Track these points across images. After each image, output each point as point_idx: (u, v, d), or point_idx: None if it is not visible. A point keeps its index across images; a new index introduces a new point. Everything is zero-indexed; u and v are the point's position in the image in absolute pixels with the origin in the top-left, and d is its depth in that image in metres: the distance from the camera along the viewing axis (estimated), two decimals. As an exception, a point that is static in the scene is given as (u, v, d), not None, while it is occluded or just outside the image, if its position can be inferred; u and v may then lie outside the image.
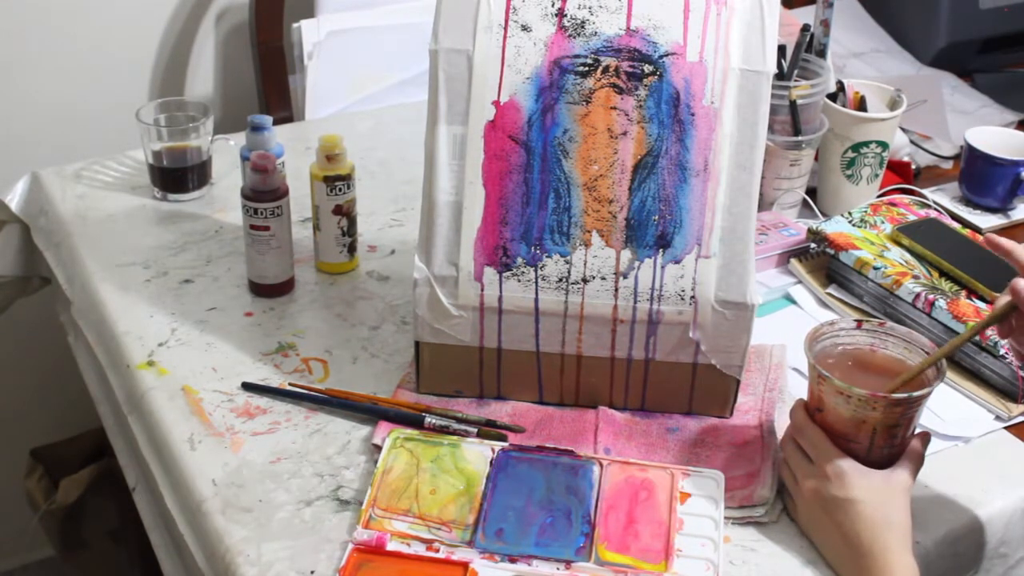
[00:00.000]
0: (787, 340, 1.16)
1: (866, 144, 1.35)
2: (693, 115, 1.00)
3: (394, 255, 1.30)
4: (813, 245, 1.28)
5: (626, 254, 1.00)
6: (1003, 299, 0.91)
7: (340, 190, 1.21)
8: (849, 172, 1.37)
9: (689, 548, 0.92)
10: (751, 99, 1.00)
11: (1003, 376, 1.10)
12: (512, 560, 0.90)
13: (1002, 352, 1.09)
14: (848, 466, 0.91)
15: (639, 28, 1.00)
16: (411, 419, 1.03)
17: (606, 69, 1.00)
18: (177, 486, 1.00)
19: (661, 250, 1.00)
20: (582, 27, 1.00)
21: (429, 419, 1.03)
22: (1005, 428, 1.08)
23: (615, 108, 1.00)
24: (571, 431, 1.03)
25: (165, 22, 1.73)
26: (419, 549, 0.91)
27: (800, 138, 1.32)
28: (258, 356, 1.13)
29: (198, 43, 1.77)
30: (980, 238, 1.27)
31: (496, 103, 1.00)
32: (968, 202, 1.44)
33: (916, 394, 0.90)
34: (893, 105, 1.39)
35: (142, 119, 1.36)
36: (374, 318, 1.19)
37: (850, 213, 1.30)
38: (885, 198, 1.35)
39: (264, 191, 1.17)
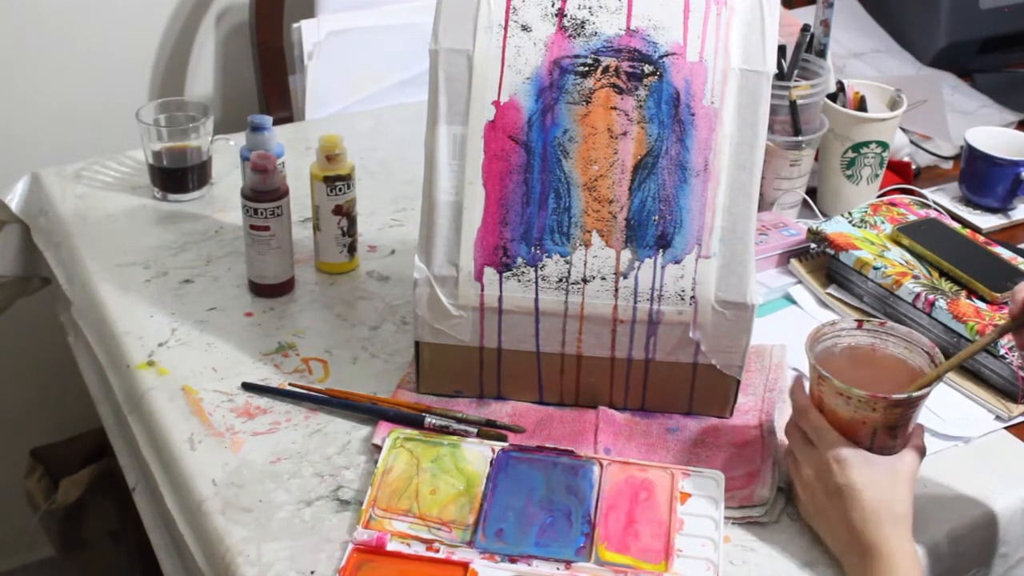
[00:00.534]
0: (787, 340, 1.16)
1: (866, 144, 1.35)
2: (693, 115, 1.00)
3: (394, 255, 1.30)
4: (813, 245, 1.28)
5: (626, 254, 1.00)
6: (1019, 303, 0.90)
7: (340, 190, 1.21)
8: (849, 172, 1.37)
9: (689, 548, 0.92)
10: (751, 99, 1.00)
11: (1003, 376, 1.10)
12: (512, 560, 0.90)
13: (1002, 352, 1.09)
14: (850, 453, 0.90)
15: (639, 28, 1.00)
16: (411, 419, 1.03)
17: (606, 69, 1.00)
18: (177, 486, 1.00)
19: (661, 250, 1.00)
20: (582, 27, 1.00)
21: (429, 419, 1.03)
22: (1005, 428, 1.08)
23: (615, 108, 1.00)
24: (571, 431, 1.03)
25: (165, 22, 1.73)
26: (419, 549, 0.91)
27: (800, 138, 1.32)
28: (258, 356, 1.13)
29: (198, 43, 1.77)
30: (980, 238, 1.27)
31: (496, 103, 1.00)
32: (968, 202, 1.44)
33: (916, 394, 0.90)
34: (893, 105, 1.39)
35: (142, 119, 1.36)
36: (374, 318, 1.19)
37: (850, 213, 1.30)
38: (885, 198, 1.35)
39: (264, 191, 1.17)
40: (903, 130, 1.53)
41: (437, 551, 0.91)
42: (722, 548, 0.92)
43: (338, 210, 1.22)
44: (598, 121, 1.00)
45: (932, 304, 1.15)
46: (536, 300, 1.01)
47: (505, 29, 1.00)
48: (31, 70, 1.66)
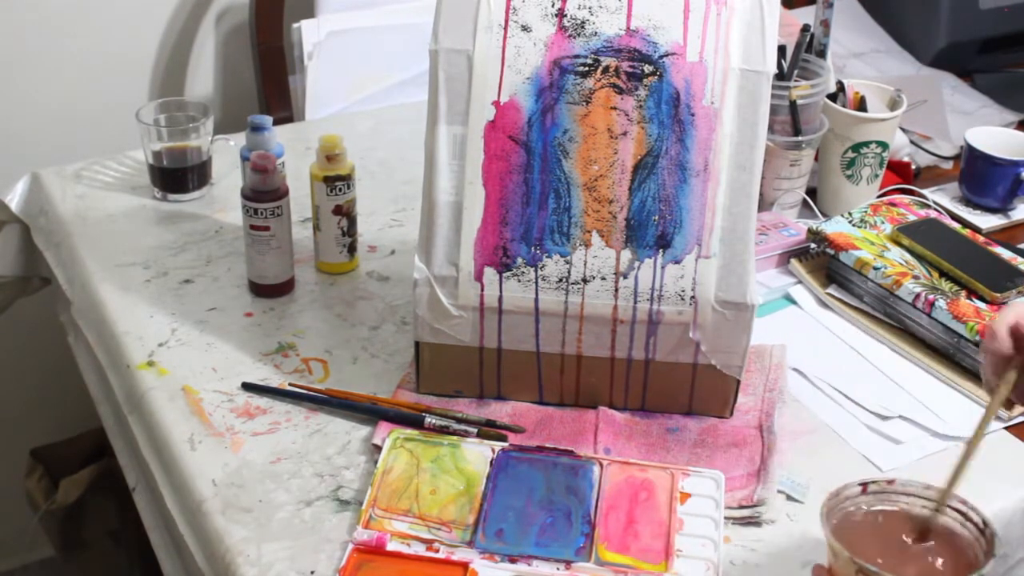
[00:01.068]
0: (787, 340, 1.16)
1: (866, 144, 1.35)
2: (693, 115, 1.00)
3: (394, 255, 1.30)
4: (813, 245, 1.28)
5: (626, 254, 1.00)
6: (1008, 374, 0.85)
7: (340, 190, 1.21)
8: (849, 172, 1.37)
9: (689, 548, 0.92)
10: (751, 99, 1.00)
11: (1003, 376, 1.10)
12: (512, 560, 0.90)
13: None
14: None
15: (639, 28, 1.00)
16: (411, 419, 1.03)
17: (606, 69, 1.00)
18: (177, 486, 1.00)
19: (661, 250, 1.00)
20: (582, 27, 1.00)
21: (429, 419, 1.03)
22: (1005, 428, 1.08)
23: (615, 108, 1.00)
24: (571, 431, 1.03)
25: (165, 22, 1.73)
26: (419, 549, 0.91)
27: (800, 138, 1.32)
28: (258, 356, 1.13)
29: (198, 43, 1.77)
30: (980, 238, 1.27)
31: (496, 103, 1.00)
32: (968, 202, 1.44)
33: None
34: (893, 105, 1.39)
35: (142, 119, 1.36)
36: (374, 318, 1.19)
37: (850, 213, 1.30)
38: (885, 198, 1.35)
39: (264, 191, 1.17)
40: (903, 130, 1.53)
41: (437, 551, 0.91)
42: (722, 548, 0.92)
43: (338, 210, 1.22)
44: (598, 121, 1.00)
45: (932, 304, 1.15)
46: (536, 300, 1.01)
47: (505, 29, 1.00)
48: (31, 70, 1.66)
